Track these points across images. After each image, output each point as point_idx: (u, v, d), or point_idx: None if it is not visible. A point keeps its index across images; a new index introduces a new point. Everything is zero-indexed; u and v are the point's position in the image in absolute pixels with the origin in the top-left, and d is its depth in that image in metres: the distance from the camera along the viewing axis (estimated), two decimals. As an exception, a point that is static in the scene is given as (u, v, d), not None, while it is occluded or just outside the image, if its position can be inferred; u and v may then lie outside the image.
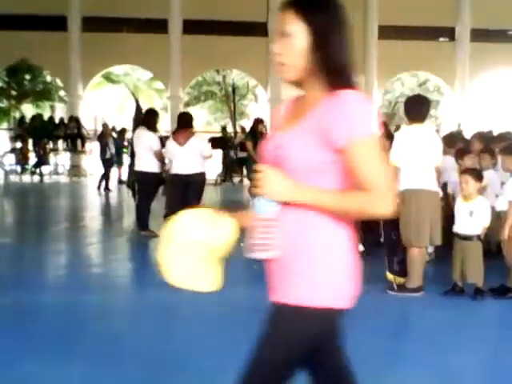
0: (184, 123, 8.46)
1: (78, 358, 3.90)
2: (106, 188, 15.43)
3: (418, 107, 5.55)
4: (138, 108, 9.81)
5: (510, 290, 5.44)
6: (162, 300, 5.29)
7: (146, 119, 9.02)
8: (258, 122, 13.01)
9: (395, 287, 5.63)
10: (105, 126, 17.00)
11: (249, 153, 9.82)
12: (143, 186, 8.84)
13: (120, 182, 16.74)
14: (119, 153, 17.04)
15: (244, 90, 32.83)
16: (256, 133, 11.49)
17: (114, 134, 17.73)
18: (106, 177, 15.69)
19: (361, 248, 6.96)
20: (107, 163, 15.81)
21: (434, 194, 5.45)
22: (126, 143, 17.05)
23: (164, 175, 9.20)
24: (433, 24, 24.84)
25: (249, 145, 9.76)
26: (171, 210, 8.75)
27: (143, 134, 8.72)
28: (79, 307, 5.13)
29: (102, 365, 3.79)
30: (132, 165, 10.02)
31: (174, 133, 8.83)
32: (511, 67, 25.40)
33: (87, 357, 3.93)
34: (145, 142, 8.59)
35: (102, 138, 16.29)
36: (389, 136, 9.02)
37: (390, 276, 5.78)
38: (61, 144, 20.74)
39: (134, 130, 9.30)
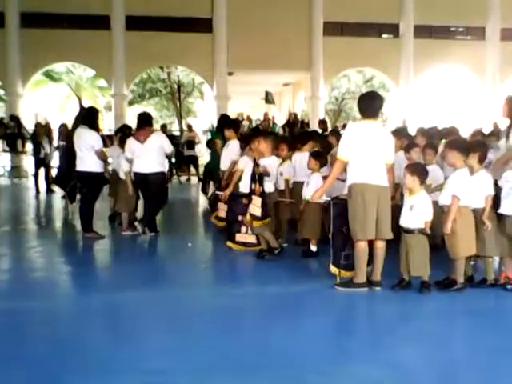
0: (144, 122, 8.59)
1: (21, 363, 3.80)
2: (49, 189, 14.96)
3: (371, 103, 5.57)
4: (81, 107, 9.50)
5: (455, 282, 5.46)
6: (107, 303, 5.23)
7: (87, 118, 8.69)
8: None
9: (338, 280, 5.67)
10: (38, 124, 16.39)
11: (216, 151, 9.78)
12: (86, 186, 8.51)
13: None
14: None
15: (190, 87, 32.58)
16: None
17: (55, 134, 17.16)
18: (36, 177, 15.14)
19: (314, 248, 6.94)
20: (41, 163, 15.22)
21: (381, 188, 5.42)
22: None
23: (106, 175, 8.99)
24: (377, 21, 25.14)
25: (218, 143, 9.67)
26: (126, 209, 8.72)
27: (84, 132, 8.43)
28: (21, 312, 4.96)
29: (45, 369, 3.71)
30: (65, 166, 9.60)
31: (134, 133, 8.77)
32: (454, 63, 25.90)
33: (30, 361, 3.84)
34: (86, 141, 8.30)
35: (36, 137, 15.68)
36: (334, 132, 9.04)
37: (333, 269, 5.81)
38: (0, 144, 20.10)
39: (74, 129, 8.98)
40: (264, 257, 6.92)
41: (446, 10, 24.08)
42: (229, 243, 7.50)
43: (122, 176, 8.67)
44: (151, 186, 8.42)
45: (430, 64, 25.66)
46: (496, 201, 5.55)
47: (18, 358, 3.91)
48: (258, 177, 6.96)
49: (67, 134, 14.66)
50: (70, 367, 3.76)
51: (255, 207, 6.92)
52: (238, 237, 7.43)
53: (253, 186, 7.02)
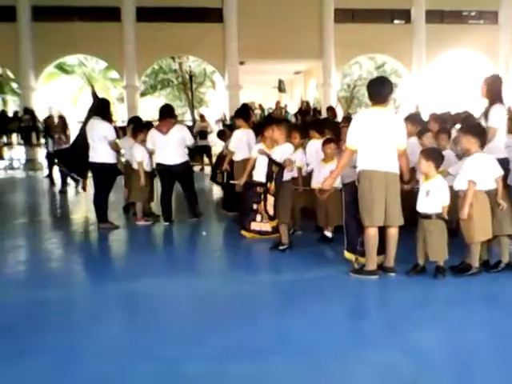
0: (166, 113, 8.74)
1: (39, 352, 3.86)
2: (64, 182, 15.04)
3: (380, 89, 5.53)
4: (95, 97, 9.54)
5: (470, 267, 5.45)
6: (123, 292, 5.29)
7: (100, 109, 8.74)
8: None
9: (355, 266, 5.66)
10: (50, 117, 16.40)
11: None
12: (100, 177, 8.53)
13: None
14: None
15: (201, 77, 32.56)
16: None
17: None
18: (50, 169, 15.26)
19: (329, 235, 6.95)
20: (53, 156, 15.14)
21: (389, 174, 5.39)
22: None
23: (120, 166, 9.04)
24: (388, 6, 24.98)
25: (228, 133, 9.79)
26: (140, 199, 8.77)
27: (97, 123, 8.47)
28: (39, 302, 5.04)
29: (64, 358, 3.76)
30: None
31: (157, 124, 8.88)
32: (466, 48, 25.68)
33: (48, 351, 3.90)
34: (100, 132, 8.35)
35: (48, 130, 15.67)
36: (347, 119, 8.99)
37: (348, 255, 5.82)
38: (15, 138, 20.26)
39: (87, 120, 9.04)
40: (281, 250, 6.89)
41: (458, -6, 23.88)
42: (243, 232, 7.51)
43: (135, 166, 8.71)
44: (180, 177, 8.71)
45: (443, 49, 25.46)
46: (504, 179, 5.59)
47: (36, 346, 3.97)
48: (275, 175, 6.80)
49: (63, 126, 14.82)
50: (85, 355, 3.82)
51: (271, 206, 6.92)
52: (254, 225, 7.42)
53: (255, 206, 7.14)
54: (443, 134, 6.91)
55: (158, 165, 8.71)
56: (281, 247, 6.82)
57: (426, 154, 5.56)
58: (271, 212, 6.91)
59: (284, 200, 6.87)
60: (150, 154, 8.77)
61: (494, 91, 6.30)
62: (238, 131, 8.71)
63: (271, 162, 6.88)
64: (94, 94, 9.40)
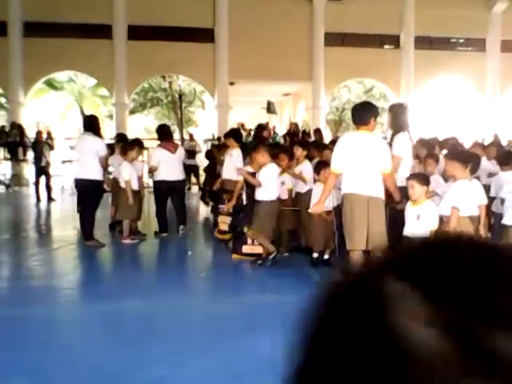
0: (169, 134, 9.69)
1: (20, 370, 3.80)
2: (50, 198, 14.99)
3: (364, 113, 5.56)
4: (83, 115, 9.73)
5: None
6: (107, 311, 5.20)
7: (90, 124, 8.63)
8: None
9: None
10: (39, 133, 16.41)
11: (216, 161, 10.13)
12: (89, 194, 8.42)
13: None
14: None
15: (191, 96, 32.64)
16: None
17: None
18: (37, 185, 15.19)
19: (325, 256, 6.93)
20: (42, 171, 15.23)
21: (371, 198, 5.42)
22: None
23: (105, 185, 8.94)
24: (378, 32, 25.20)
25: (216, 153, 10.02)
26: (126, 218, 8.74)
27: (89, 139, 8.38)
28: (24, 320, 4.96)
29: (44, 377, 3.73)
30: None
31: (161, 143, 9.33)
32: (454, 74, 25.96)
33: (29, 369, 3.84)
34: (91, 148, 8.24)
35: (37, 145, 15.71)
36: (334, 142, 9.04)
37: None
38: (1, 152, 20.11)
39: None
40: (260, 264, 6.91)
41: (447, 22, 24.16)
42: (235, 255, 7.48)
43: (123, 185, 8.66)
44: (178, 192, 9.23)
45: (431, 75, 25.71)
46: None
47: (18, 366, 3.91)
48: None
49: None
50: (69, 375, 3.77)
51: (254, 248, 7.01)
52: (246, 248, 7.40)
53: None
54: (431, 159, 6.95)
55: (160, 182, 8.98)
56: (270, 256, 6.95)
57: (421, 179, 5.54)
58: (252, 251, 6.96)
59: (269, 218, 6.94)
60: (151, 171, 8.92)
61: (398, 119, 6.36)
62: (236, 150, 8.78)
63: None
64: (82, 113, 9.58)
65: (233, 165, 8.57)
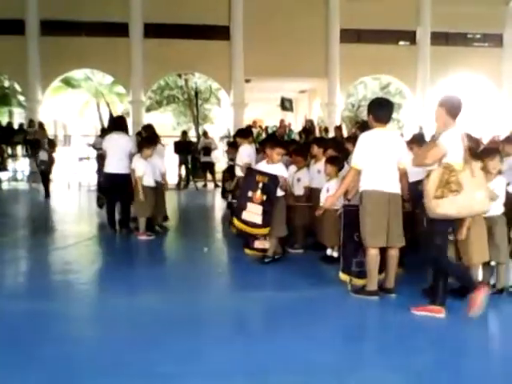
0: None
1: (39, 363, 3.87)
2: (48, 195, 15.08)
3: (380, 110, 5.57)
4: (111, 115, 10.14)
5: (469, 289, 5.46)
6: (121, 306, 5.25)
7: (121, 125, 9.43)
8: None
9: (349, 288, 5.70)
10: (40, 125, 16.62)
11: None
12: (123, 187, 8.92)
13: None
14: None
15: (207, 93, 32.72)
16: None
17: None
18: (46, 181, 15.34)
19: (335, 254, 6.95)
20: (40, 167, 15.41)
21: (392, 195, 5.43)
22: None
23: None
24: (394, 27, 25.09)
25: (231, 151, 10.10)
26: (141, 215, 8.94)
27: (122, 138, 9.12)
28: (42, 314, 5.03)
29: (62, 373, 3.76)
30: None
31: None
32: (470, 70, 25.78)
33: (45, 363, 3.90)
34: (124, 146, 9.00)
35: (38, 142, 15.91)
36: (351, 138, 9.05)
37: (343, 277, 5.87)
38: (20, 150, 20.33)
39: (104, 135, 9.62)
40: (267, 262, 6.96)
41: (463, 17, 24.00)
42: (247, 250, 7.53)
43: (137, 181, 8.75)
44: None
45: (447, 71, 25.55)
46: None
47: (35, 360, 3.98)
48: (263, 185, 6.85)
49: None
50: (84, 370, 3.83)
51: (253, 215, 6.90)
52: (257, 243, 7.43)
53: (250, 193, 6.92)
54: None
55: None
56: (265, 259, 6.95)
57: None
58: (258, 220, 6.89)
59: (279, 214, 6.94)
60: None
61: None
62: (243, 147, 8.82)
63: (255, 172, 6.97)
64: (111, 115, 9.95)
65: (240, 161, 8.67)
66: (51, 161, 15.71)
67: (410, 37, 25.83)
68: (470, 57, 24.92)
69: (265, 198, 6.84)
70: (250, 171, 7.23)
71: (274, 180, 6.85)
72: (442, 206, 4.79)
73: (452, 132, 4.93)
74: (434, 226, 4.96)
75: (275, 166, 7.02)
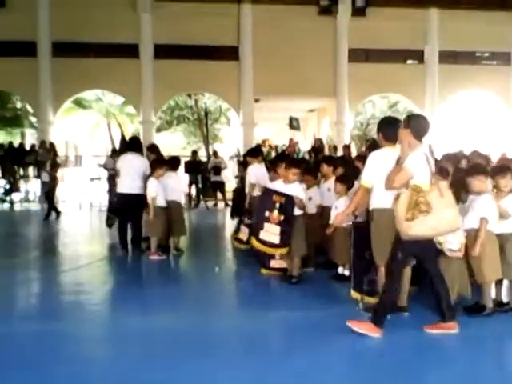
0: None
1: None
2: (47, 217, 14.80)
3: (390, 129, 5.56)
4: (123, 138, 10.25)
5: (485, 307, 5.45)
6: (134, 327, 5.26)
7: (136, 145, 9.59)
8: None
9: (360, 306, 5.68)
10: (51, 145, 16.69)
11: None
12: (138, 208, 9.00)
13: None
14: None
15: (217, 113, 32.90)
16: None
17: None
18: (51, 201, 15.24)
19: (346, 273, 6.94)
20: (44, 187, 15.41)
21: None
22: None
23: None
24: (402, 47, 25.24)
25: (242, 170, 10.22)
26: (153, 234, 9.01)
27: (137, 158, 9.24)
28: (54, 335, 5.06)
29: None
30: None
31: None
32: (479, 88, 25.84)
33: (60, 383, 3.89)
34: (139, 166, 9.08)
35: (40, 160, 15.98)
36: (360, 157, 9.08)
37: (354, 294, 5.82)
38: (31, 171, 20.50)
39: (117, 155, 9.72)
40: (294, 282, 6.91)
41: (471, 36, 24.14)
42: (263, 270, 7.54)
43: (149, 201, 8.79)
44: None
45: (456, 89, 25.63)
46: None
47: (49, 380, 4.01)
48: (280, 205, 6.88)
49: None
50: None
51: (271, 235, 6.94)
52: (273, 263, 7.43)
53: (267, 213, 6.95)
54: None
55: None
56: (293, 280, 6.88)
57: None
58: (276, 240, 6.91)
59: (298, 233, 6.95)
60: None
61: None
62: (253, 166, 8.88)
63: (272, 192, 6.99)
64: (123, 136, 10.01)
65: (249, 180, 8.76)
66: (54, 182, 15.58)
67: (418, 55, 25.96)
68: (479, 75, 25.01)
69: (282, 218, 6.86)
70: (267, 191, 7.25)
71: (290, 200, 6.88)
72: (413, 228, 4.82)
73: (417, 154, 4.96)
74: (402, 244, 4.98)
75: (292, 186, 7.03)
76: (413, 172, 4.89)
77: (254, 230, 7.23)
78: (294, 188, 7.03)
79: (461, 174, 6.26)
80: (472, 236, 5.49)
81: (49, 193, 15.35)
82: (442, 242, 5.43)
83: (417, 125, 5.06)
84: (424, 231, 4.83)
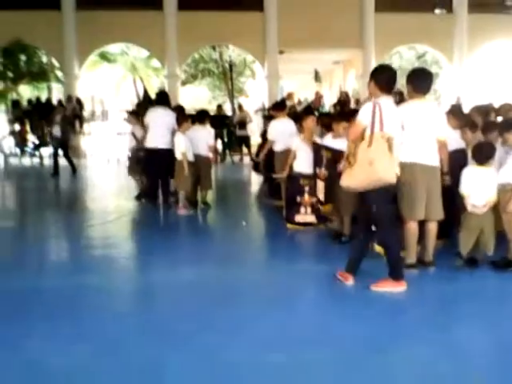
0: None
1: (85, 337, 4.00)
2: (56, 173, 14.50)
3: (420, 81, 5.49)
4: (146, 93, 10.22)
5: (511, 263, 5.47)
6: (164, 280, 5.40)
7: (165, 99, 9.59)
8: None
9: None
10: (77, 100, 16.33)
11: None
12: (167, 162, 9.02)
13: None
14: None
15: (241, 66, 32.62)
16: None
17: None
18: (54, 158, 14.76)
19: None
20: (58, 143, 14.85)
21: (430, 168, 5.40)
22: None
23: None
24: (430, -5, 24.68)
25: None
26: (182, 188, 9.06)
27: (167, 113, 9.23)
28: (83, 288, 5.20)
29: (109, 343, 3.91)
30: None
31: None
32: (509, 38, 25.20)
33: (95, 335, 4.05)
34: (170, 121, 9.08)
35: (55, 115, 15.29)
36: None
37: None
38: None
39: (144, 109, 9.85)
40: (343, 242, 6.67)
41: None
42: (288, 225, 7.62)
43: (179, 156, 8.87)
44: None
45: (485, 39, 25.04)
46: None
47: (81, 333, 4.13)
48: (327, 161, 6.85)
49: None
50: (128, 341, 3.96)
51: (321, 191, 6.99)
52: (298, 218, 7.51)
53: (317, 170, 7.00)
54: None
55: None
56: (343, 239, 6.72)
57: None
58: (321, 197, 6.98)
59: (343, 193, 6.92)
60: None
61: None
62: (275, 121, 8.86)
63: (320, 148, 6.99)
64: (145, 91, 9.95)
65: (283, 135, 8.70)
66: (65, 136, 15.00)
67: (447, 5, 25.35)
68: (509, 24, 24.33)
69: (327, 173, 6.93)
70: (316, 146, 7.26)
71: (338, 156, 6.72)
72: (344, 179, 4.94)
73: (366, 105, 4.98)
74: (366, 197, 4.96)
75: (341, 141, 6.95)
76: (364, 123, 4.88)
77: (289, 214, 7.54)
78: (343, 143, 6.95)
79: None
80: (507, 190, 5.43)
81: (62, 148, 14.77)
82: (465, 195, 5.43)
83: (380, 77, 5.03)
84: (351, 183, 4.90)
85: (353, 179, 4.85)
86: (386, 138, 4.79)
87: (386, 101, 4.97)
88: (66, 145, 14.98)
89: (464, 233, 5.53)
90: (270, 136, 8.78)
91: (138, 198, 10.07)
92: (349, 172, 4.85)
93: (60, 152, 14.67)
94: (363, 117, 4.91)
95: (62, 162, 14.46)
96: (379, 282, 5.01)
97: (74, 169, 14.73)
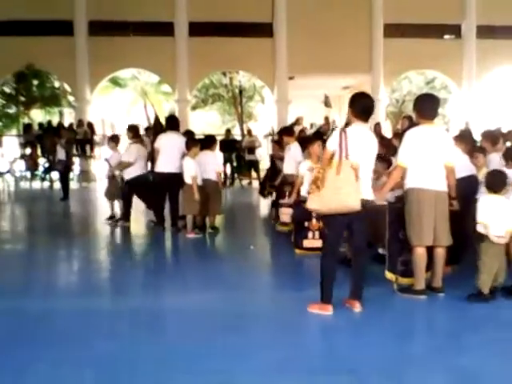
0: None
1: (90, 361, 3.99)
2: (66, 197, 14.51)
3: (428, 106, 5.52)
4: (157, 117, 10.33)
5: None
6: (172, 305, 5.41)
7: (176, 124, 9.68)
8: None
9: (395, 287, 5.68)
10: (89, 125, 16.49)
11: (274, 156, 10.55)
12: (176, 186, 9.15)
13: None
14: None
15: (251, 91, 32.81)
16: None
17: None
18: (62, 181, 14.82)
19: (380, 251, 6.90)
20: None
21: (438, 193, 5.39)
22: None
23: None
24: (438, 21, 24.80)
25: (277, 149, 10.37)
26: (190, 212, 9.09)
27: (178, 138, 9.30)
28: (89, 311, 5.20)
29: (118, 368, 3.89)
30: None
31: None
32: (518, 63, 25.28)
33: (103, 357, 4.04)
34: (180, 145, 9.11)
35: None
36: (397, 135, 8.98)
37: (389, 275, 5.80)
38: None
39: (156, 134, 10.20)
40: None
41: (509, 10, 23.53)
42: (297, 250, 7.63)
43: (188, 180, 8.91)
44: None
45: (493, 65, 25.13)
46: None
47: (89, 356, 4.13)
48: None
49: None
50: (135, 364, 3.96)
51: (315, 241, 7.14)
52: (306, 243, 7.53)
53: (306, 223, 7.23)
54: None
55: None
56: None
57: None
58: (312, 245, 7.14)
59: None
60: None
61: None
62: (294, 145, 8.93)
63: None
64: (156, 116, 10.05)
65: (292, 159, 8.74)
66: (69, 162, 15.18)
67: (455, 30, 25.50)
68: (518, 50, 24.43)
69: None
70: None
71: None
72: (310, 202, 5.02)
73: (335, 132, 5.15)
74: (324, 220, 5.12)
75: None
76: (330, 150, 5.02)
77: (297, 240, 7.57)
78: None
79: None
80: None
81: (61, 172, 14.85)
82: (488, 226, 5.35)
83: (356, 104, 5.13)
84: (318, 206, 4.98)
85: (320, 203, 4.93)
86: (353, 166, 4.90)
87: (358, 128, 5.05)
88: (68, 168, 15.18)
89: (486, 265, 5.34)
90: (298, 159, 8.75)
91: (110, 218, 10.30)
92: (317, 195, 4.93)
93: (58, 174, 14.77)
94: (330, 144, 5.06)
95: (73, 184, 14.51)
96: (312, 303, 5.10)
97: (65, 194, 14.49)
